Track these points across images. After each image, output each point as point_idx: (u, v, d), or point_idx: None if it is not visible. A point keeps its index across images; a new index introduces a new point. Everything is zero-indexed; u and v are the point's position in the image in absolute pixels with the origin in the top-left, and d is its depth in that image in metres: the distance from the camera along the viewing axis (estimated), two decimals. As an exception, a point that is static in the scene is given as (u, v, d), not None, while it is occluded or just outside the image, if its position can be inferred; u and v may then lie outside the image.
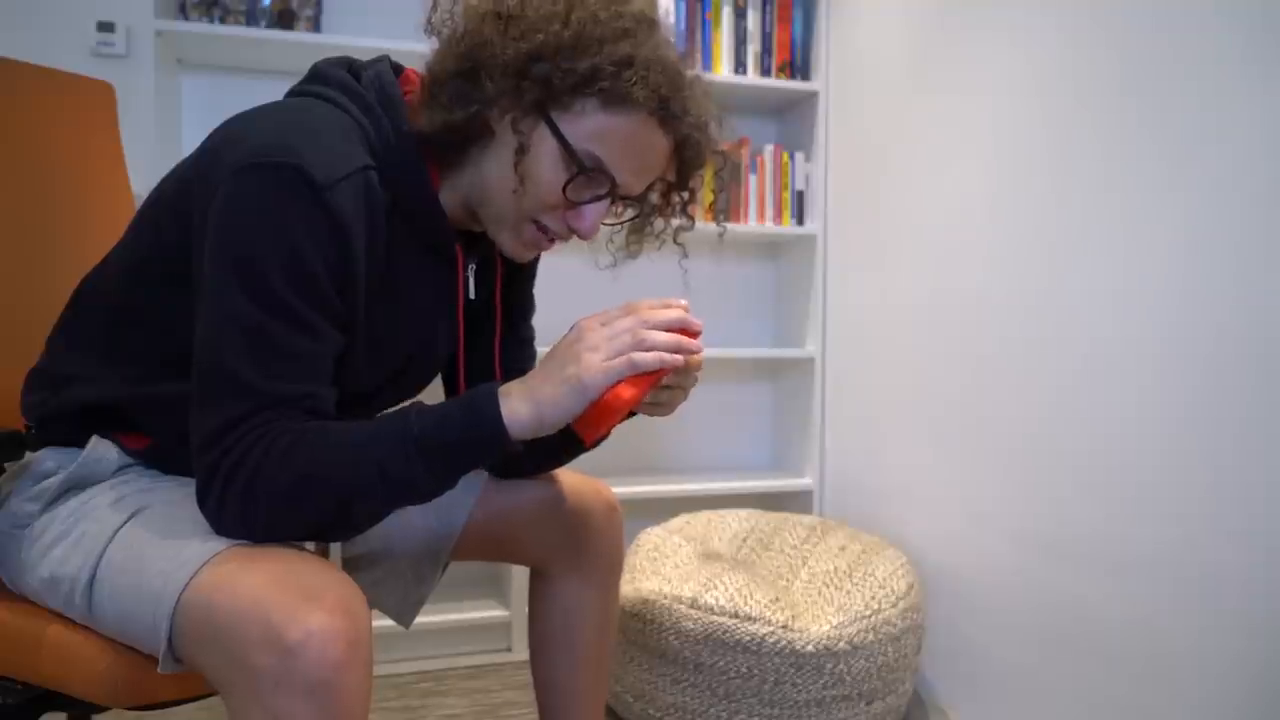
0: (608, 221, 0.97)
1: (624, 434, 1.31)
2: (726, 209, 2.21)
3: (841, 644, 1.52)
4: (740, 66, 2.26)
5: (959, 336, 1.72)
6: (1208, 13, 1.19)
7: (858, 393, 2.13)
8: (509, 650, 2.08)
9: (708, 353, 2.18)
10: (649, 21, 0.86)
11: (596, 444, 1.06)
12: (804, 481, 2.30)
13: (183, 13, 1.92)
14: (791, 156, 2.30)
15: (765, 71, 2.27)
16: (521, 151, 0.83)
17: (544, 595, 1.15)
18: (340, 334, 0.82)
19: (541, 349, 1.18)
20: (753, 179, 2.28)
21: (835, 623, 1.54)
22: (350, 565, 1.08)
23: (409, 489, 0.78)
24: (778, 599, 1.58)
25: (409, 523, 1.08)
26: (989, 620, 1.61)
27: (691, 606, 1.56)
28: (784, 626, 1.52)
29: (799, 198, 2.31)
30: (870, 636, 1.55)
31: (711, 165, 0.96)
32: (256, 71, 2.07)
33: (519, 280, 1.10)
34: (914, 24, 1.90)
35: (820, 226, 2.28)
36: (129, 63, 1.96)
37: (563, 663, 1.15)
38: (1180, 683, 1.21)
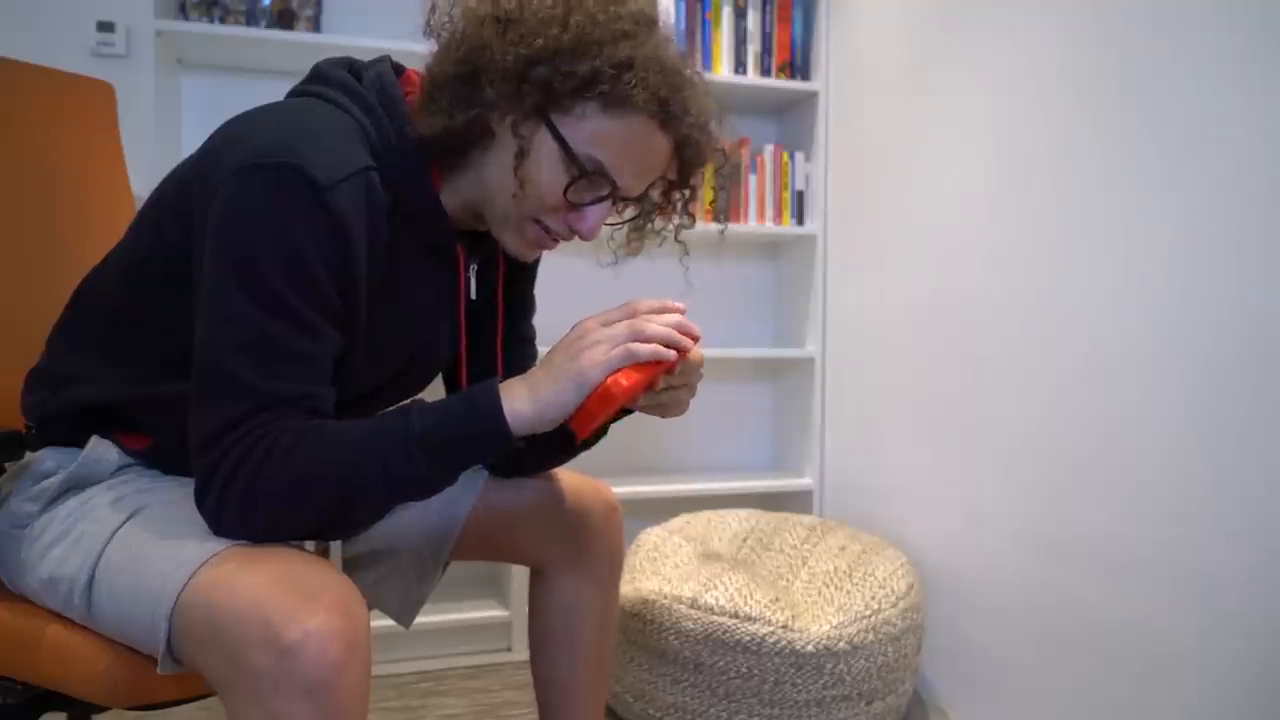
0: (609, 222, 0.97)
1: (624, 434, 1.31)
2: (726, 209, 2.21)
3: (841, 644, 1.52)
4: (740, 66, 2.25)
5: (959, 336, 1.72)
6: (1208, 13, 1.19)
7: (858, 393, 2.13)
8: (509, 650, 2.08)
9: (708, 353, 2.20)
10: (648, 22, 0.86)
11: (590, 444, 1.07)
12: (804, 481, 2.30)
13: (183, 13, 1.92)
14: (791, 156, 2.30)
15: (765, 71, 2.27)
16: (521, 155, 0.83)
17: (544, 595, 1.15)
18: (340, 335, 0.82)
19: (542, 349, 1.18)
20: (753, 179, 2.28)
21: (835, 623, 1.54)
22: (351, 565, 1.08)
23: (411, 486, 0.79)
24: (778, 599, 1.58)
25: (410, 522, 1.08)
26: (989, 620, 1.61)
27: (691, 606, 1.56)
28: (784, 626, 1.52)
29: (799, 198, 2.31)
30: (870, 636, 1.55)
31: (712, 164, 0.97)
32: (256, 71, 2.07)
33: (520, 280, 1.10)
34: (914, 24, 1.89)
35: (820, 226, 2.28)
36: (129, 63, 1.96)
37: (563, 662, 1.15)
38: (1180, 683, 1.21)
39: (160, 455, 0.91)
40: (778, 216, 2.30)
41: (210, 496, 0.75)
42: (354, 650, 0.68)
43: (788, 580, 1.80)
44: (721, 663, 1.52)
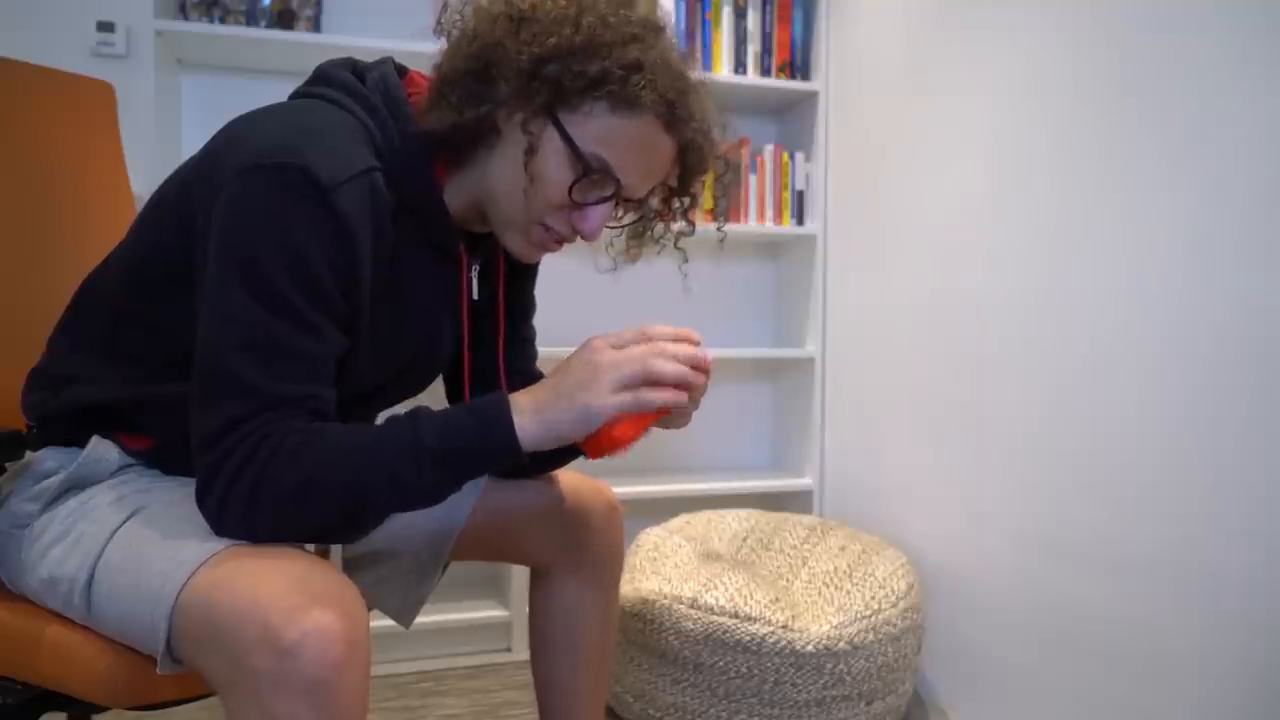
0: (609, 224, 0.97)
1: (624, 434, 1.32)
2: (726, 212, 2.21)
3: (841, 644, 1.52)
4: (740, 66, 2.25)
5: (959, 336, 1.72)
6: (1208, 13, 1.19)
7: (858, 393, 2.13)
8: (509, 650, 2.08)
9: (708, 353, 2.19)
10: (656, 28, 0.87)
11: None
12: (804, 481, 2.30)
13: (183, 13, 1.92)
14: (791, 156, 2.30)
15: (765, 71, 2.27)
16: (531, 151, 0.83)
17: (544, 595, 1.15)
18: (344, 335, 0.83)
19: (542, 349, 1.18)
20: (753, 179, 2.28)
21: (835, 623, 1.54)
22: (352, 565, 1.08)
23: (417, 495, 0.79)
24: (778, 599, 1.58)
25: (410, 523, 1.08)
26: (989, 620, 1.61)
27: (691, 606, 1.56)
28: (784, 626, 1.52)
29: (799, 198, 2.31)
30: (870, 636, 1.55)
31: (714, 171, 0.97)
32: (256, 71, 2.07)
33: (521, 280, 1.11)
34: (914, 24, 1.90)
35: (820, 226, 2.28)
36: (129, 63, 1.96)
37: (563, 663, 1.15)
38: (1180, 683, 1.21)
39: (161, 456, 0.91)
40: (778, 216, 2.30)
41: (212, 497, 0.75)
42: (354, 650, 0.68)
43: (788, 580, 1.80)
44: (721, 663, 1.52)
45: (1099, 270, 1.37)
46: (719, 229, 0.99)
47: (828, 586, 1.69)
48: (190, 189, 0.83)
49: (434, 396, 1.03)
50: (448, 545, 1.11)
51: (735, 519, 2.04)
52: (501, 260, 1.04)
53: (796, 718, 1.52)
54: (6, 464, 0.93)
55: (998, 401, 1.60)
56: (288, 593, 0.68)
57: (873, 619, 1.57)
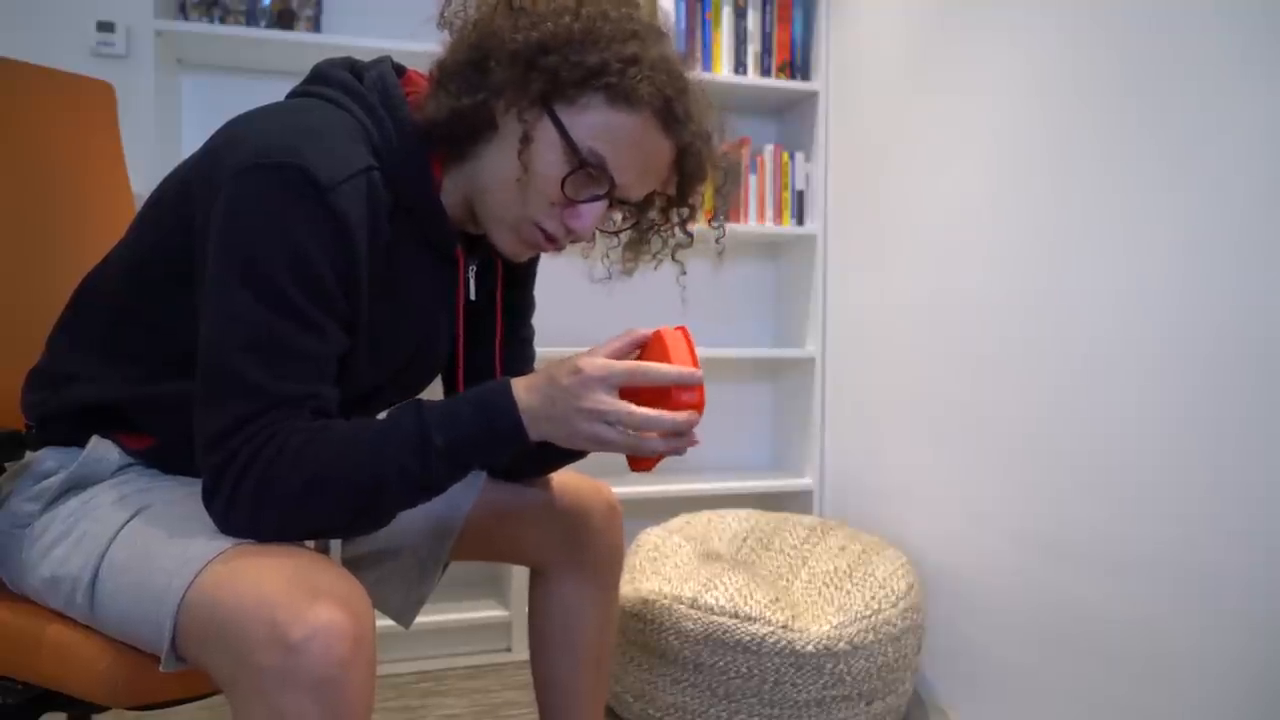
0: (605, 229, 0.98)
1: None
2: (726, 212, 2.21)
3: (841, 644, 1.52)
4: (740, 66, 2.26)
5: (959, 336, 1.72)
6: (1208, 13, 1.19)
7: (858, 393, 2.13)
8: (509, 650, 2.08)
9: (708, 353, 2.20)
10: (657, 30, 0.87)
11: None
12: (804, 481, 2.30)
13: (183, 13, 1.92)
14: (791, 156, 2.30)
15: (765, 71, 2.27)
16: (526, 140, 0.83)
17: (544, 595, 1.15)
18: (345, 334, 0.83)
19: (540, 349, 1.18)
20: (753, 179, 2.28)
21: (835, 623, 1.54)
22: (352, 565, 1.08)
23: (424, 490, 0.80)
24: (778, 599, 1.58)
25: (410, 522, 1.08)
26: (989, 620, 1.62)
27: (691, 606, 1.56)
28: (784, 626, 1.52)
29: (799, 198, 2.31)
30: (870, 636, 1.55)
31: (713, 181, 0.96)
32: (256, 71, 2.07)
33: (519, 281, 1.10)
34: (914, 24, 1.90)
35: (820, 226, 2.28)
36: (129, 63, 1.96)
37: (563, 663, 1.15)
38: (1180, 683, 1.21)
39: (161, 455, 0.91)
40: (778, 216, 2.30)
41: (219, 497, 0.75)
42: (360, 647, 0.68)
43: (788, 580, 1.80)
44: (721, 663, 1.52)
45: (1099, 270, 1.37)
46: (717, 241, 0.99)
47: (828, 586, 1.69)
48: (190, 188, 0.83)
49: (433, 397, 1.03)
50: (447, 545, 1.11)
51: (735, 519, 2.04)
52: (499, 261, 1.03)
53: (796, 718, 1.52)
54: (6, 464, 0.93)
55: (998, 401, 1.60)
56: (294, 590, 0.69)
57: (873, 619, 1.57)
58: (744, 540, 1.98)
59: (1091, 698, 1.36)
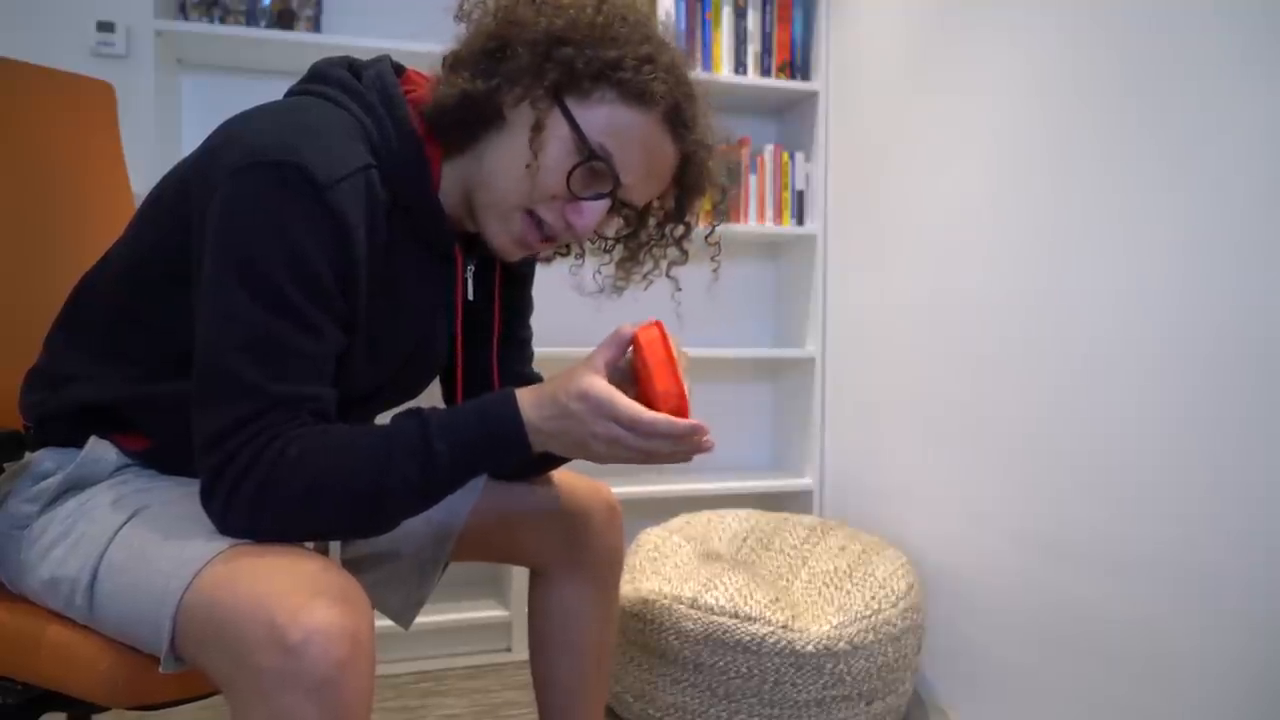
0: (602, 234, 0.98)
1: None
2: (726, 213, 2.21)
3: (841, 644, 1.52)
4: (740, 66, 2.25)
5: (959, 336, 1.72)
6: (1208, 12, 1.19)
7: (858, 393, 2.13)
8: (509, 650, 2.08)
9: (709, 353, 2.20)
10: (668, 39, 0.89)
11: None
12: (804, 481, 2.30)
13: (183, 13, 1.92)
14: (791, 156, 2.30)
15: (765, 71, 2.27)
16: (538, 128, 0.83)
17: (544, 596, 1.15)
18: (343, 334, 0.82)
19: (539, 349, 1.18)
20: (753, 179, 2.28)
21: (835, 623, 1.54)
22: (351, 566, 1.08)
23: (425, 499, 0.80)
24: (778, 599, 1.58)
25: (410, 524, 1.07)
26: (989, 620, 1.61)
27: (691, 606, 1.56)
28: (784, 626, 1.52)
29: (799, 198, 2.31)
30: (870, 636, 1.55)
31: (710, 198, 0.97)
32: (256, 71, 2.07)
33: (518, 281, 1.10)
34: (914, 24, 1.90)
35: (820, 226, 2.28)
36: (129, 63, 1.96)
37: (563, 663, 1.15)
38: (1180, 683, 1.21)
39: (158, 456, 0.91)
40: (778, 216, 2.30)
41: (217, 500, 0.75)
42: (359, 648, 0.68)
43: (788, 580, 1.80)
44: (721, 663, 1.52)
45: (1099, 270, 1.37)
46: (714, 259, 1.00)
47: (828, 586, 1.69)
48: (188, 187, 0.83)
49: (432, 398, 1.03)
50: (447, 546, 1.11)
51: (735, 519, 2.04)
52: (498, 261, 1.03)
53: (796, 718, 1.52)
54: (5, 465, 0.93)
55: (998, 401, 1.60)
56: (293, 591, 0.69)
57: (873, 619, 1.57)
58: (744, 540, 1.98)
59: (1091, 698, 1.36)
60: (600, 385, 0.79)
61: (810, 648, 1.50)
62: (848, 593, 1.64)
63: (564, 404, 0.79)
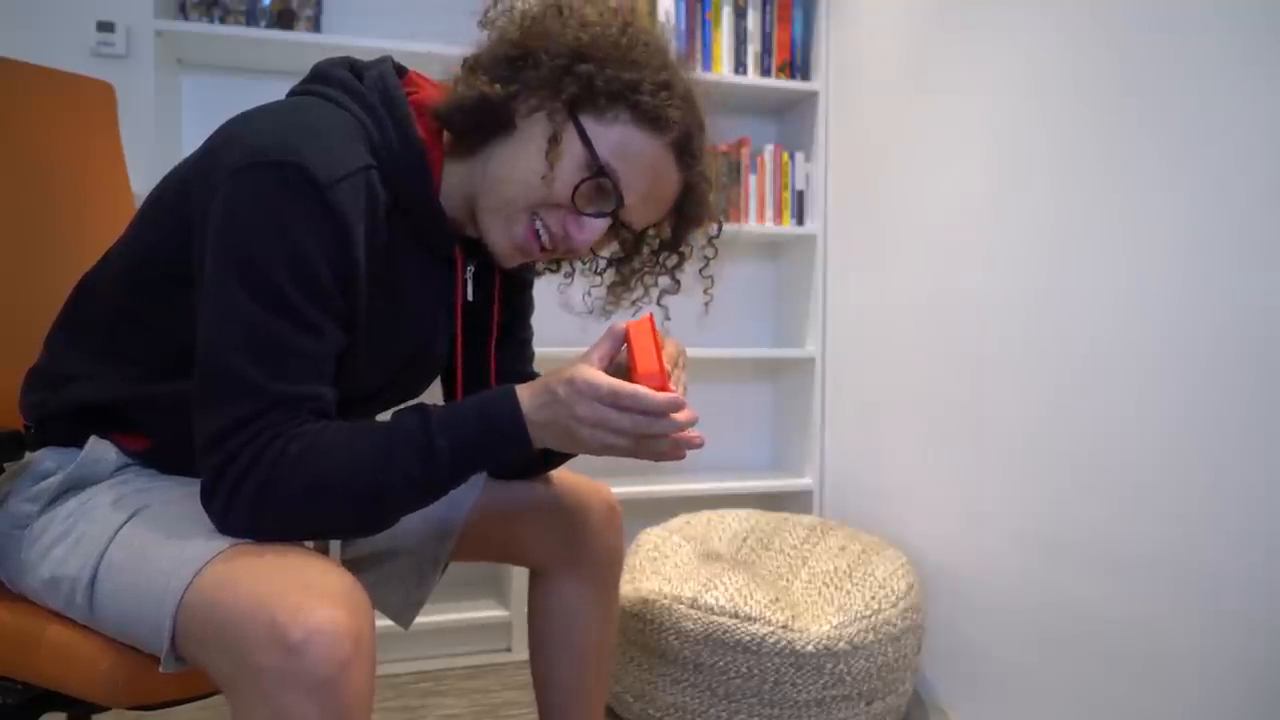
0: (597, 253, 0.98)
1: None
2: (725, 211, 2.21)
3: (841, 644, 1.52)
4: (740, 66, 2.25)
5: (959, 336, 1.72)
6: (1208, 13, 1.19)
7: (858, 393, 2.13)
8: (509, 650, 2.08)
9: (709, 353, 2.20)
10: (685, 67, 0.90)
11: None
12: (804, 481, 2.30)
13: (183, 13, 1.92)
14: (791, 156, 2.30)
15: (765, 71, 2.27)
16: (556, 140, 0.84)
17: (544, 596, 1.15)
18: (343, 334, 0.83)
19: (538, 349, 1.18)
20: (753, 179, 2.28)
21: (835, 623, 1.54)
22: (351, 566, 1.08)
23: (426, 495, 0.80)
24: (778, 599, 1.58)
25: (410, 523, 1.08)
26: (989, 620, 1.61)
27: (691, 606, 1.56)
28: (784, 626, 1.52)
29: (799, 198, 2.31)
30: (870, 636, 1.55)
31: (704, 231, 0.98)
32: (256, 71, 2.07)
33: (519, 283, 1.10)
34: (914, 24, 1.90)
35: (820, 226, 2.28)
36: (129, 63, 1.96)
37: (563, 663, 1.15)
38: (1180, 683, 1.21)
39: (158, 456, 0.91)
40: (778, 216, 2.30)
41: (218, 499, 0.75)
42: (359, 648, 0.68)
43: (788, 580, 1.80)
44: (721, 663, 1.52)
45: (1099, 270, 1.37)
46: (706, 292, 1.01)
47: (828, 586, 1.69)
48: (188, 188, 0.83)
49: (432, 399, 1.03)
50: (447, 546, 1.11)
51: (735, 519, 2.04)
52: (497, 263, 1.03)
53: (796, 718, 1.52)
54: (6, 465, 0.93)
55: (998, 401, 1.60)
56: (293, 590, 0.69)
57: (873, 619, 1.57)
58: (744, 540, 1.98)
59: (1091, 698, 1.36)
60: (586, 370, 0.79)
61: (810, 648, 1.50)
62: (848, 593, 1.64)
63: (552, 389, 0.80)
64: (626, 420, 0.79)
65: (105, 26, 1.93)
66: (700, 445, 0.83)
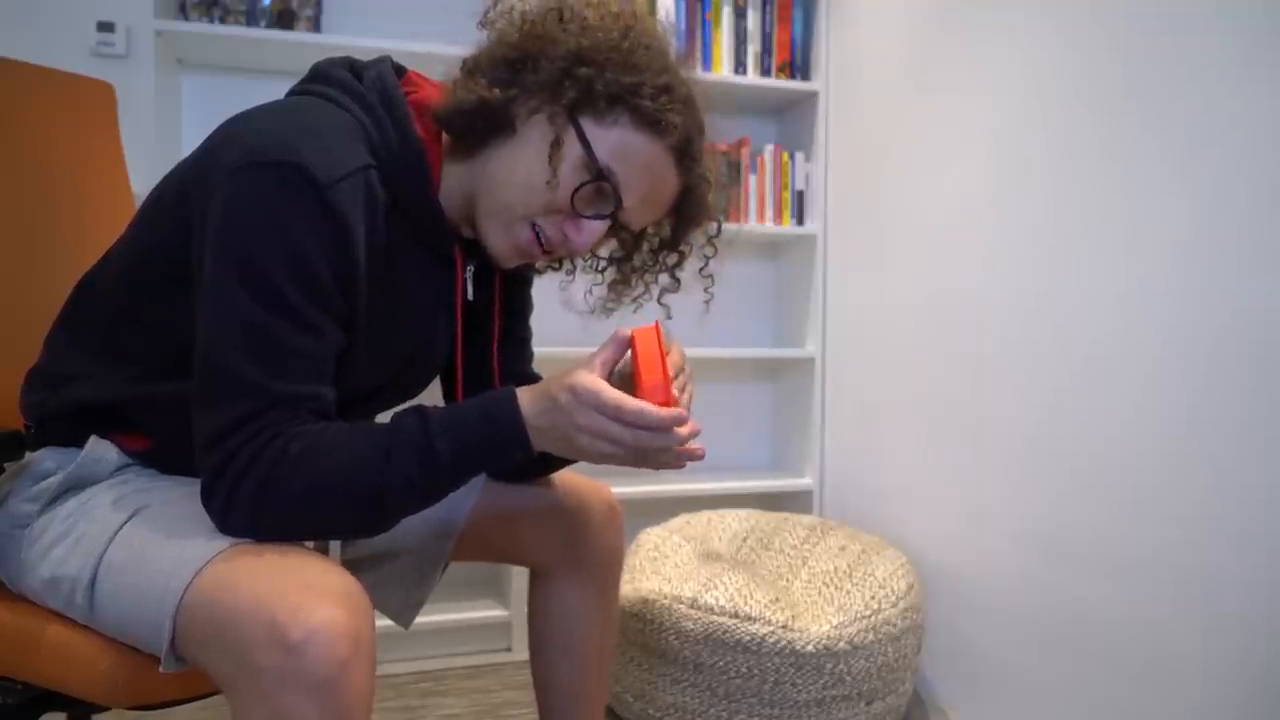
0: (596, 253, 0.98)
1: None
2: (725, 211, 2.21)
3: (841, 644, 1.52)
4: (740, 66, 2.25)
5: (959, 336, 1.72)
6: (1209, 14, 1.19)
7: (858, 393, 2.13)
8: (509, 650, 2.08)
9: (709, 353, 2.20)
10: (687, 70, 0.90)
11: None
12: (804, 481, 2.30)
13: (183, 13, 1.92)
14: (791, 156, 2.30)
15: (765, 71, 2.27)
16: (555, 145, 0.84)
17: (544, 596, 1.15)
18: (343, 333, 0.83)
19: (538, 349, 1.18)
20: (753, 179, 2.28)
21: (835, 623, 1.54)
22: (352, 566, 1.08)
23: (426, 498, 0.80)
24: (778, 599, 1.58)
25: (410, 524, 1.07)
26: (989, 620, 1.61)
27: (691, 606, 1.56)
28: (784, 626, 1.52)
29: (799, 198, 2.31)
30: (870, 636, 1.55)
31: (704, 231, 0.98)
32: (256, 71, 2.07)
33: (518, 282, 1.10)
34: (914, 24, 1.90)
35: (820, 226, 2.28)
36: (129, 63, 1.96)
37: (563, 663, 1.15)
38: (1181, 684, 1.21)
39: (159, 456, 0.91)
40: (778, 216, 2.30)
41: (217, 499, 0.75)
42: (359, 648, 0.68)
43: (788, 580, 1.80)
44: (721, 663, 1.52)
45: (1099, 271, 1.37)
46: (706, 290, 1.01)
47: (828, 586, 1.69)
48: (187, 188, 0.83)
49: (433, 398, 1.03)
50: (447, 546, 1.11)
51: (735, 519, 2.04)
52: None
53: (796, 718, 1.52)
54: (6, 465, 0.93)
55: (998, 402, 1.60)
56: (293, 590, 0.69)
57: (873, 619, 1.57)
58: (744, 540, 1.98)
59: (1092, 699, 1.36)
60: (588, 378, 0.78)
61: (810, 648, 1.50)
62: (848, 593, 1.64)
63: (553, 395, 0.79)
64: (628, 434, 0.78)
65: (105, 26, 1.93)
66: (701, 458, 0.82)
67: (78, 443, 0.89)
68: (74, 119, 1.24)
